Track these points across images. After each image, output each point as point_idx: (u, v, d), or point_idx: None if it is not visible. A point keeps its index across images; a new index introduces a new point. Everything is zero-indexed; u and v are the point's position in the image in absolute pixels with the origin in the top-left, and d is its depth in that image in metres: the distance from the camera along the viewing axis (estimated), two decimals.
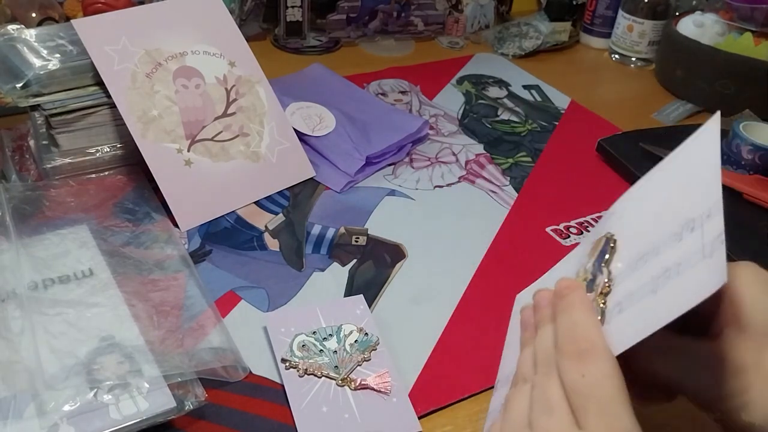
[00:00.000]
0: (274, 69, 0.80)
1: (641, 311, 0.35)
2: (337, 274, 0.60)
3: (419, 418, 0.48)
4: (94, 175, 0.66)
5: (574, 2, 1.11)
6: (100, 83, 0.63)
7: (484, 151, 0.81)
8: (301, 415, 0.46)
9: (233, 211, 0.67)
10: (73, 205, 0.62)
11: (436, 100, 0.92)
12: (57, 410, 0.43)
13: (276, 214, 0.67)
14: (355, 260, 0.62)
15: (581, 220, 0.70)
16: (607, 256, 0.39)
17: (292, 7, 1.01)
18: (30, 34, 0.65)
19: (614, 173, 0.78)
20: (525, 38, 1.08)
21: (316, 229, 0.65)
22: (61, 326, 0.49)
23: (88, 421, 0.43)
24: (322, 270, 0.61)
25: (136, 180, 0.66)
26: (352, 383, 0.49)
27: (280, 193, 0.70)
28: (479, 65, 1.03)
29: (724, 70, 0.89)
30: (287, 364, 0.49)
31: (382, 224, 0.67)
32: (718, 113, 0.37)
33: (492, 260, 0.63)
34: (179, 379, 0.46)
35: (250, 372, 0.50)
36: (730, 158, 0.74)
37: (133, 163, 0.67)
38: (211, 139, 0.67)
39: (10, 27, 0.66)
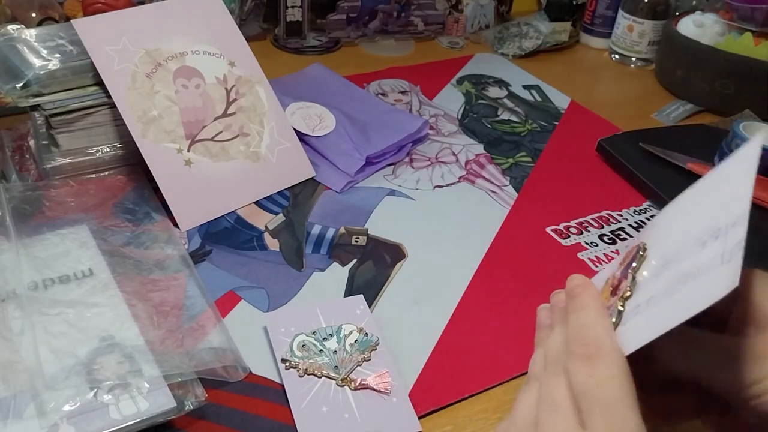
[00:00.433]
0: (274, 69, 0.80)
1: (655, 313, 0.35)
2: (337, 274, 0.60)
3: (419, 418, 0.48)
4: (94, 175, 0.66)
5: (574, 2, 1.11)
6: (100, 83, 0.63)
7: (484, 151, 0.81)
8: (301, 415, 0.46)
9: (233, 211, 0.67)
10: (73, 205, 0.62)
11: (436, 100, 0.92)
12: (57, 410, 0.43)
13: (276, 214, 0.67)
14: (355, 260, 0.62)
15: (581, 220, 0.70)
16: (634, 264, 0.39)
17: (292, 7, 1.01)
18: (30, 34, 0.65)
19: (614, 173, 0.78)
20: (525, 38, 1.08)
21: (316, 229, 0.65)
22: (61, 326, 0.49)
23: (88, 421, 0.43)
24: (322, 270, 0.61)
25: (136, 180, 0.66)
26: (352, 383, 0.49)
27: (280, 193, 0.70)
28: (479, 65, 1.03)
29: (724, 70, 0.89)
30: (287, 364, 0.49)
31: (382, 224, 0.67)
32: (765, 132, 0.38)
33: (492, 260, 0.63)
34: (179, 379, 0.46)
35: (250, 372, 0.50)
36: None
37: (133, 163, 0.67)
38: (211, 139, 0.67)
39: (10, 27, 0.65)
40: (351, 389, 0.48)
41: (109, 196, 0.64)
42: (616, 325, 0.36)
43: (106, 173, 0.67)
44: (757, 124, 0.75)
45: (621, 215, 0.71)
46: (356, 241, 0.64)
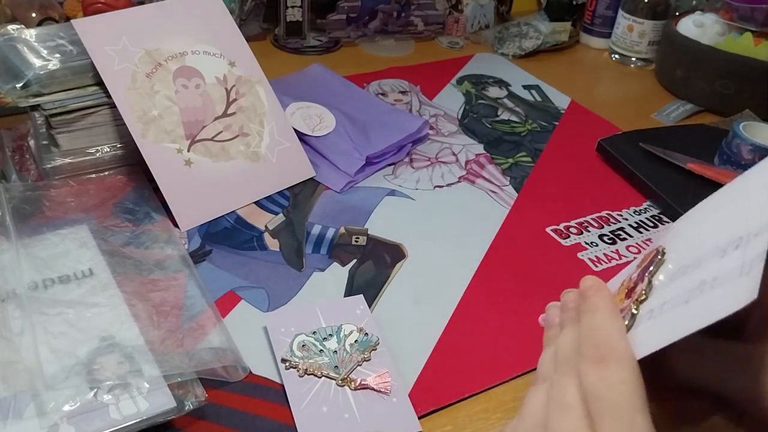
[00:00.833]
0: (274, 69, 0.80)
1: (670, 319, 0.35)
2: (337, 274, 0.60)
3: (419, 418, 0.48)
4: (94, 175, 0.66)
5: (574, 2, 1.11)
6: (100, 83, 0.63)
7: (484, 151, 0.81)
8: (301, 415, 0.46)
9: (233, 211, 0.67)
10: (73, 205, 0.62)
11: (436, 100, 0.92)
12: (57, 410, 0.43)
13: (276, 214, 0.67)
14: (355, 260, 0.62)
15: (581, 220, 0.70)
16: (651, 268, 0.39)
17: (292, 7, 1.01)
18: (30, 34, 0.65)
19: (614, 173, 0.78)
20: (525, 38, 1.08)
21: (316, 229, 0.65)
22: (61, 326, 0.49)
23: (88, 421, 0.43)
24: (322, 270, 0.61)
25: (136, 180, 0.66)
26: (352, 383, 0.49)
27: (280, 193, 0.70)
28: (479, 65, 1.03)
29: (724, 70, 0.89)
30: (287, 364, 0.49)
31: (382, 224, 0.67)
32: None
33: (492, 260, 0.63)
34: (179, 379, 0.46)
35: (250, 372, 0.50)
36: (730, 158, 0.74)
37: (133, 163, 0.67)
38: (211, 139, 0.67)
39: (10, 27, 0.66)
40: (351, 389, 0.48)
41: (109, 196, 0.64)
42: (628, 328, 0.36)
43: (106, 173, 0.67)
44: (757, 124, 0.75)
45: (621, 215, 0.71)
46: (356, 241, 0.64)
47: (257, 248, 0.63)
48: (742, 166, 0.73)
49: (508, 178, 0.76)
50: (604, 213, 0.71)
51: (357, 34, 1.07)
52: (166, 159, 0.64)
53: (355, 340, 0.52)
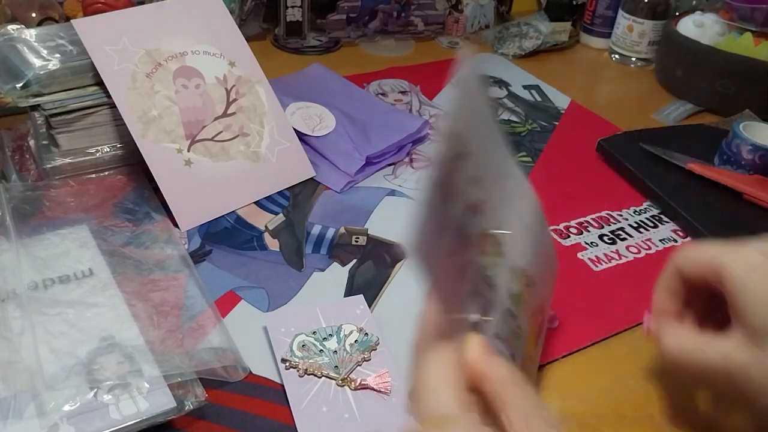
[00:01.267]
0: (274, 69, 0.80)
1: None
2: (337, 274, 0.60)
3: None
4: (94, 175, 0.66)
5: (574, 2, 1.11)
6: (100, 83, 0.63)
7: None
8: (301, 415, 0.46)
9: (233, 211, 0.67)
10: (73, 205, 0.62)
11: (436, 100, 0.92)
12: (57, 410, 0.43)
13: (276, 214, 0.67)
14: (355, 260, 0.62)
15: (581, 220, 0.70)
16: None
17: (292, 7, 1.01)
18: (30, 34, 0.65)
19: (614, 173, 0.78)
20: (525, 38, 1.08)
21: (316, 229, 0.65)
22: (61, 326, 0.49)
23: (88, 421, 0.43)
24: (322, 270, 0.61)
25: (136, 180, 0.66)
26: (352, 383, 0.49)
27: (280, 193, 0.70)
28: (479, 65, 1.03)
29: (724, 70, 0.89)
30: (287, 364, 0.49)
31: (382, 224, 0.67)
32: None
33: None
34: (179, 379, 0.46)
35: (250, 372, 0.50)
36: (730, 158, 0.74)
37: (133, 163, 0.67)
38: (211, 139, 0.67)
39: (10, 27, 0.66)
40: (351, 389, 0.48)
41: (109, 196, 0.64)
42: None
43: (106, 173, 0.67)
44: (757, 124, 0.75)
45: (621, 215, 0.71)
46: (356, 241, 0.64)
47: (257, 248, 0.63)
48: (742, 166, 0.73)
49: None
50: (604, 213, 0.71)
51: (357, 34, 1.07)
52: (166, 159, 0.64)
53: (355, 340, 0.52)
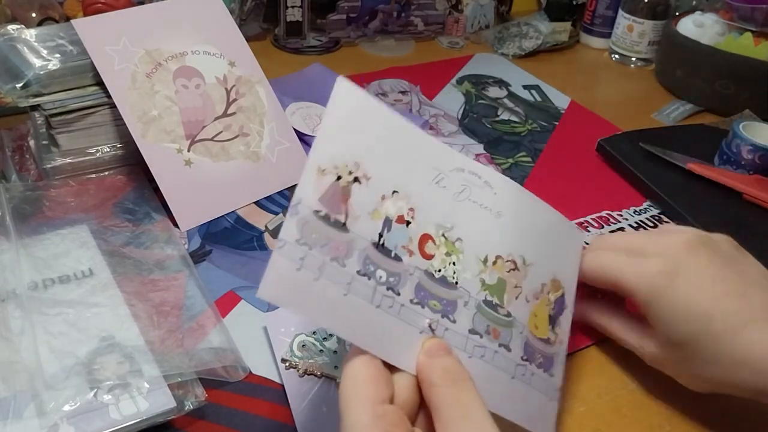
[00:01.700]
0: (274, 69, 0.80)
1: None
2: None
3: None
4: (94, 175, 0.66)
5: (574, 2, 1.11)
6: (100, 83, 0.63)
7: (484, 151, 0.81)
8: (301, 415, 0.46)
9: (233, 211, 0.67)
10: (73, 205, 0.62)
11: (436, 100, 0.92)
12: (57, 410, 0.43)
13: (276, 214, 0.67)
14: None
15: (581, 220, 0.70)
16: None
17: (292, 7, 1.01)
18: (30, 34, 0.65)
19: (614, 173, 0.78)
20: (525, 38, 1.08)
21: None
22: (61, 326, 0.49)
23: (88, 421, 0.43)
24: None
25: (136, 180, 0.66)
26: None
27: (280, 193, 0.70)
28: (479, 65, 1.03)
29: (724, 70, 0.89)
30: (287, 364, 0.49)
31: None
32: None
33: None
34: (179, 379, 0.46)
35: (250, 372, 0.50)
36: (730, 158, 0.74)
37: (133, 163, 0.67)
38: (211, 139, 0.67)
39: (10, 27, 0.65)
40: None
41: (109, 196, 0.64)
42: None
43: (106, 173, 0.67)
44: (757, 124, 0.75)
45: (621, 215, 0.71)
46: None
47: (257, 248, 0.63)
48: (742, 166, 0.73)
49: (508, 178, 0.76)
50: (604, 213, 0.71)
51: (357, 34, 1.07)
52: (166, 159, 0.64)
53: None
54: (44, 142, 0.64)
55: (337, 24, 1.05)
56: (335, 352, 0.51)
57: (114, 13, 0.67)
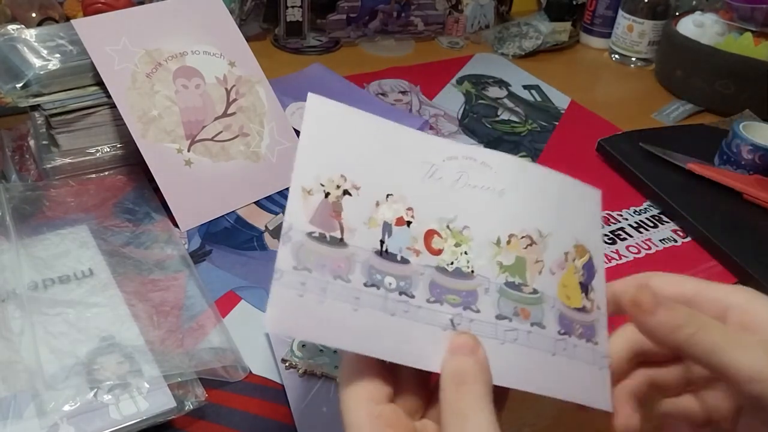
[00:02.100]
0: (274, 69, 0.80)
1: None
2: None
3: None
4: (94, 175, 0.66)
5: (574, 2, 1.11)
6: (100, 83, 0.63)
7: None
8: (301, 415, 0.46)
9: (233, 211, 0.67)
10: (73, 205, 0.62)
11: (436, 100, 0.92)
12: (57, 410, 0.43)
13: (276, 214, 0.67)
14: None
15: None
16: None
17: (292, 7, 1.01)
18: (30, 34, 0.65)
19: (614, 173, 0.78)
20: (525, 38, 1.08)
21: None
22: (61, 326, 0.49)
23: (88, 421, 0.43)
24: None
25: (136, 180, 0.66)
26: None
27: (280, 193, 0.70)
28: (479, 65, 1.03)
29: (724, 70, 0.89)
30: (287, 364, 0.49)
31: None
32: None
33: None
34: (179, 379, 0.46)
35: (250, 372, 0.50)
36: (730, 158, 0.74)
37: (133, 163, 0.67)
38: (211, 139, 0.67)
39: (10, 27, 0.66)
40: None
41: (109, 196, 0.64)
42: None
43: (106, 173, 0.67)
44: (757, 124, 0.75)
45: (621, 215, 0.71)
46: None
47: (257, 248, 0.63)
48: (742, 166, 0.73)
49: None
50: (604, 213, 0.71)
51: (357, 34, 1.07)
52: (166, 159, 0.64)
53: None
54: (44, 142, 0.64)
55: (337, 24, 1.05)
56: (335, 352, 0.51)
57: (114, 13, 0.67)
